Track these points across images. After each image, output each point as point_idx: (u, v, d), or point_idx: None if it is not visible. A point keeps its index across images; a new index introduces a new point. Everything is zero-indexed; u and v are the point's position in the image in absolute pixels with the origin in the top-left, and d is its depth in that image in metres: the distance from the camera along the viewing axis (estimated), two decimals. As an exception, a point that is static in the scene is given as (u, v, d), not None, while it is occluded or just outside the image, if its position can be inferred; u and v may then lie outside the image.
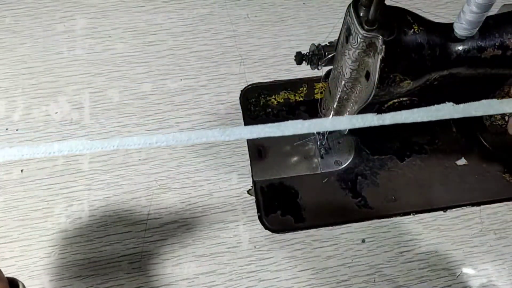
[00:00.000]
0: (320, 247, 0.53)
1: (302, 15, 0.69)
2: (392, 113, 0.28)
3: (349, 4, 0.38)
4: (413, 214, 0.55)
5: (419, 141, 0.60)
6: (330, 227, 0.54)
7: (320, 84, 0.63)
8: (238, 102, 0.62)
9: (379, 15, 0.35)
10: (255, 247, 0.53)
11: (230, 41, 0.66)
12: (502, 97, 0.55)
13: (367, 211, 0.55)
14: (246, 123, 0.60)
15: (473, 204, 0.56)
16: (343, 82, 0.43)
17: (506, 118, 0.55)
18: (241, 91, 0.62)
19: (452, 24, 0.41)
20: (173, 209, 0.54)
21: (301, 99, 0.62)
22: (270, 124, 0.31)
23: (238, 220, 0.54)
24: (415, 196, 0.56)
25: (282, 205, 0.55)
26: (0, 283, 0.33)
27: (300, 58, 0.47)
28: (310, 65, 0.47)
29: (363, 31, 0.36)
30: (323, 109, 0.51)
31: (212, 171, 0.57)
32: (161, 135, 0.32)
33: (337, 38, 0.43)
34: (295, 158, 0.58)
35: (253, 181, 0.56)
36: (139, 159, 0.57)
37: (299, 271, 0.52)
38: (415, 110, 0.32)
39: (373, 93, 0.39)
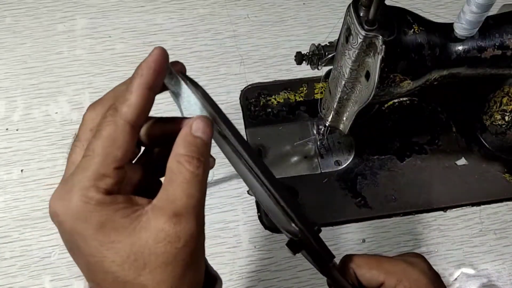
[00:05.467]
0: (320, 247, 0.53)
1: (302, 15, 0.69)
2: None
3: (349, 4, 0.38)
4: (413, 214, 0.55)
5: (419, 141, 0.60)
6: (330, 227, 0.54)
7: (320, 84, 0.63)
8: (238, 102, 0.62)
9: (379, 15, 0.35)
10: (255, 247, 0.53)
11: (230, 41, 0.66)
12: (502, 97, 0.55)
13: (367, 211, 0.55)
14: (246, 123, 0.60)
15: (473, 204, 0.56)
16: (343, 82, 0.43)
17: (506, 118, 0.55)
18: (241, 91, 0.62)
19: (452, 24, 0.41)
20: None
21: (301, 99, 0.62)
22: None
23: (238, 220, 0.54)
24: (415, 196, 0.56)
25: (282, 205, 0.55)
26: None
27: (300, 58, 0.47)
28: (310, 65, 0.47)
29: (363, 31, 0.36)
30: (323, 109, 0.51)
31: (212, 171, 0.57)
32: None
33: (337, 38, 0.43)
34: (295, 158, 0.58)
35: (253, 181, 0.56)
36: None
37: (299, 271, 0.52)
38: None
39: (373, 93, 0.39)
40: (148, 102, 0.25)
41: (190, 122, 0.26)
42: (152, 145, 0.29)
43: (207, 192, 0.60)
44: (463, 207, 0.56)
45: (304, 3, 0.70)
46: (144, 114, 0.25)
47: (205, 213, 0.57)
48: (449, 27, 0.41)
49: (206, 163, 0.26)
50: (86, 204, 0.22)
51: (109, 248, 0.22)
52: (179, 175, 0.24)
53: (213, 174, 0.56)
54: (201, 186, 0.25)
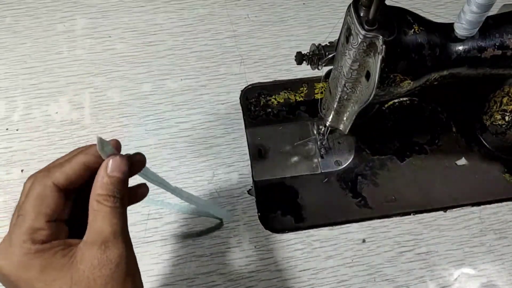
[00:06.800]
0: (320, 247, 0.53)
1: (302, 15, 0.69)
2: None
3: (349, 4, 0.38)
4: (413, 214, 0.55)
5: (419, 141, 0.60)
6: (330, 227, 0.54)
7: (320, 84, 0.63)
8: (238, 102, 0.62)
9: (379, 15, 0.35)
10: (255, 247, 0.53)
11: (230, 41, 0.66)
12: (502, 97, 0.55)
13: (367, 211, 0.55)
14: (246, 123, 0.60)
15: (473, 204, 0.56)
16: (343, 82, 0.43)
17: (506, 118, 0.55)
18: (241, 91, 0.62)
19: (452, 24, 0.41)
20: (173, 209, 0.54)
21: (301, 99, 0.62)
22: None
23: (238, 220, 0.54)
24: (415, 196, 0.56)
25: (282, 205, 0.55)
26: None
27: (300, 58, 0.47)
28: (311, 65, 0.47)
29: (363, 31, 0.36)
30: (323, 109, 0.51)
31: (212, 171, 0.57)
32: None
33: (337, 38, 0.43)
34: (295, 158, 0.58)
35: (253, 181, 0.56)
36: (139, 159, 0.57)
37: (299, 271, 0.52)
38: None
39: (373, 93, 0.39)
40: (82, 176, 0.30)
41: (106, 162, 0.29)
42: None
43: (208, 192, 0.60)
44: (463, 207, 0.56)
45: (304, 3, 0.70)
46: (77, 183, 0.29)
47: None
48: (449, 27, 0.41)
49: (124, 197, 0.30)
50: (27, 255, 0.26)
51: (53, 285, 0.26)
52: (101, 212, 0.28)
53: (213, 174, 0.56)
54: (122, 215, 0.29)
